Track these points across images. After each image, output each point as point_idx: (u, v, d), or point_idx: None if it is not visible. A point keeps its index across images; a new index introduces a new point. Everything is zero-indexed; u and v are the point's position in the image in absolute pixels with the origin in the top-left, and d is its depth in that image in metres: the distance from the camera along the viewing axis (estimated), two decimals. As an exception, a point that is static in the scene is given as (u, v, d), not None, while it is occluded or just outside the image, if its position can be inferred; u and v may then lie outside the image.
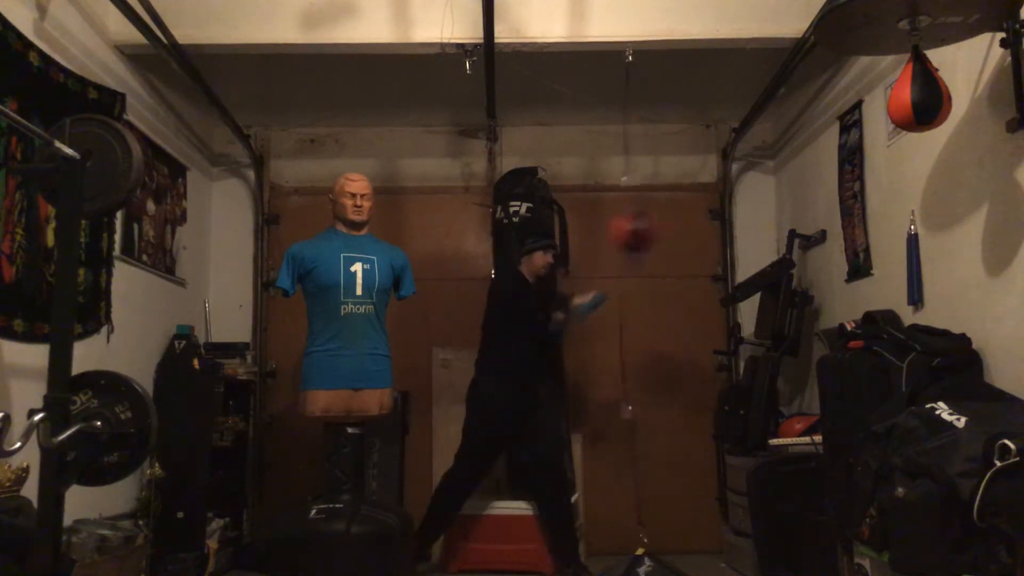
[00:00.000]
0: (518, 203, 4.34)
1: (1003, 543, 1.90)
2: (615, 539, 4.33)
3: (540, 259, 4.01)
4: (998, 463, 1.88)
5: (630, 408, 3.85)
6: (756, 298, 4.34)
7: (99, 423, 2.20)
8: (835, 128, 3.90)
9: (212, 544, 3.69)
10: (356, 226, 3.76)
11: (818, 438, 3.15)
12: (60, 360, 2.14)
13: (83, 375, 2.27)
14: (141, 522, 3.34)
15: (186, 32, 3.58)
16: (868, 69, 3.54)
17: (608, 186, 4.96)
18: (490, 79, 3.92)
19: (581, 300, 3.96)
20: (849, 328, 3.15)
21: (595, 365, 4.79)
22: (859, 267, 3.64)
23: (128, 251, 3.73)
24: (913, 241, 3.10)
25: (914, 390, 2.50)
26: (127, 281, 3.68)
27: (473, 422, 3.98)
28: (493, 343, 4.02)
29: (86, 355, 3.10)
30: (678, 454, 4.70)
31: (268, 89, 4.56)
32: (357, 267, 3.67)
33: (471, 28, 3.59)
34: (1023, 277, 2.46)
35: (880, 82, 3.41)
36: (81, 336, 3.23)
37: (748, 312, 4.58)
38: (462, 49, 3.65)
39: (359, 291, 3.65)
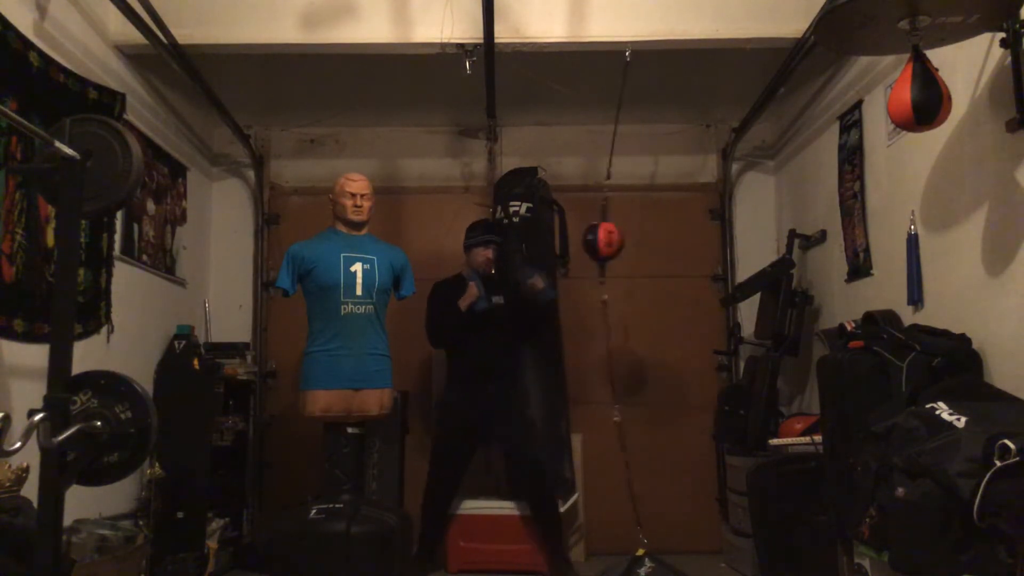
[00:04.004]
0: (518, 203, 4.34)
1: (1003, 543, 1.90)
2: (615, 539, 4.33)
3: (480, 255, 4.05)
4: (998, 463, 1.88)
5: (616, 413, 3.90)
6: (756, 298, 4.34)
7: (99, 423, 2.20)
8: (835, 128, 3.90)
9: (212, 544, 3.69)
10: (356, 226, 3.76)
11: (818, 438, 3.15)
12: (60, 360, 2.14)
13: (83, 375, 2.27)
14: (141, 522, 3.34)
15: (186, 32, 3.58)
16: (868, 69, 3.54)
17: (608, 186, 4.96)
18: (490, 79, 3.92)
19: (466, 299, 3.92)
20: (849, 328, 3.15)
21: (595, 365, 4.79)
22: (859, 267, 3.64)
23: (128, 251, 3.73)
24: (913, 241, 3.10)
25: (914, 390, 2.51)
26: (127, 281, 3.68)
27: (436, 429, 4.11)
28: (452, 347, 4.11)
29: (86, 355, 3.10)
30: (678, 454, 4.70)
31: (268, 89, 4.56)
32: (357, 267, 3.67)
33: (471, 28, 3.60)
34: (1023, 277, 2.46)
35: (880, 82, 3.41)
36: (81, 336, 3.23)
37: (748, 312, 4.58)
38: (462, 49, 3.65)
39: (359, 291, 3.65)
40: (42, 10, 3.02)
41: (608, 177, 4.77)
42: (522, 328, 4.08)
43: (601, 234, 4.52)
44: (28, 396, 2.55)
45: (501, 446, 4.02)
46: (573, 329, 4.65)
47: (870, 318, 3.11)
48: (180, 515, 3.55)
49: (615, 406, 4.74)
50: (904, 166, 3.21)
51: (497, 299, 4.01)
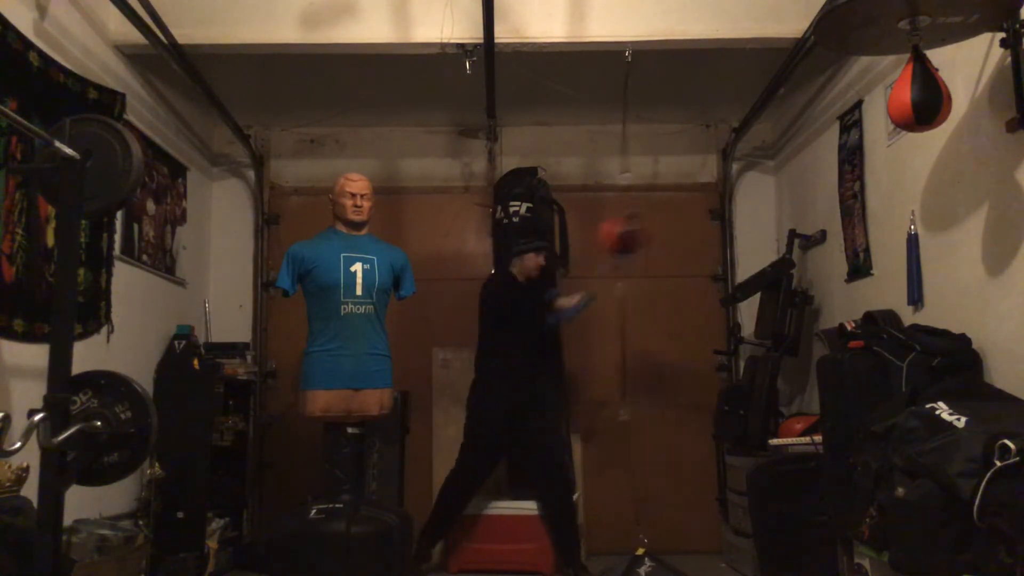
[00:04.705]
0: (518, 203, 4.34)
1: (1003, 543, 1.89)
2: (615, 539, 4.33)
3: (532, 260, 4.01)
4: (998, 463, 1.88)
5: (621, 413, 3.83)
6: (756, 298, 4.34)
7: (99, 423, 2.20)
8: (835, 128, 3.90)
9: (212, 544, 3.69)
10: (356, 226, 3.76)
11: (818, 438, 3.15)
12: (60, 360, 2.14)
13: (83, 375, 2.28)
14: (141, 522, 3.34)
15: (186, 32, 3.58)
16: (868, 69, 3.54)
17: (608, 186, 4.97)
18: (490, 79, 3.92)
19: (567, 302, 3.88)
20: (849, 328, 3.15)
21: (595, 365, 4.79)
22: (859, 267, 3.64)
23: (128, 251, 3.73)
24: (913, 241, 3.10)
25: (914, 390, 2.51)
26: (127, 281, 3.68)
27: (472, 424, 4.00)
28: (489, 345, 4.04)
29: (86, 355, 3.10)
30: (678, 454, 4.70)
31: (268, 89, 4.56)
32: (357, 267, 3.66)
33: (471, 28, 3.60)
34: (1023, 277, 2.46)
35: (880, 82, 3.41)
36: (81, 336, 3.23)
37: (748, 312, 4.58)
38: (462, 49, 3.65)
39: (359, 291, 3.64)
40: (42, 10, 3.02)
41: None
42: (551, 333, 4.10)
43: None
44: (28, 396, 2.55)
45: (527, 447, 3.96)
46: (573, 329, 4.64)
47: (870, 318, 3.11)
48: (180, 515, 3.54)
49: (616, 405, 4.75)
50: (904, 166, 3.21)
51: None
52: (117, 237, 3.60)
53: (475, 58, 3.67)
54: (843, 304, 3.84)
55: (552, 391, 4.14)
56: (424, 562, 3.92)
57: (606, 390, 4.79)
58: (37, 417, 2.04)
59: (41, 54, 2.99)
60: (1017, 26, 2.40)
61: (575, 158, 4.98)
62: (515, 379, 3.92)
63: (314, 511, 3.46)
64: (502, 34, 3.59)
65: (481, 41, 3.57)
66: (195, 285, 4.56)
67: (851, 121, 3.72)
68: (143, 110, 3.89)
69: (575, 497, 4.26)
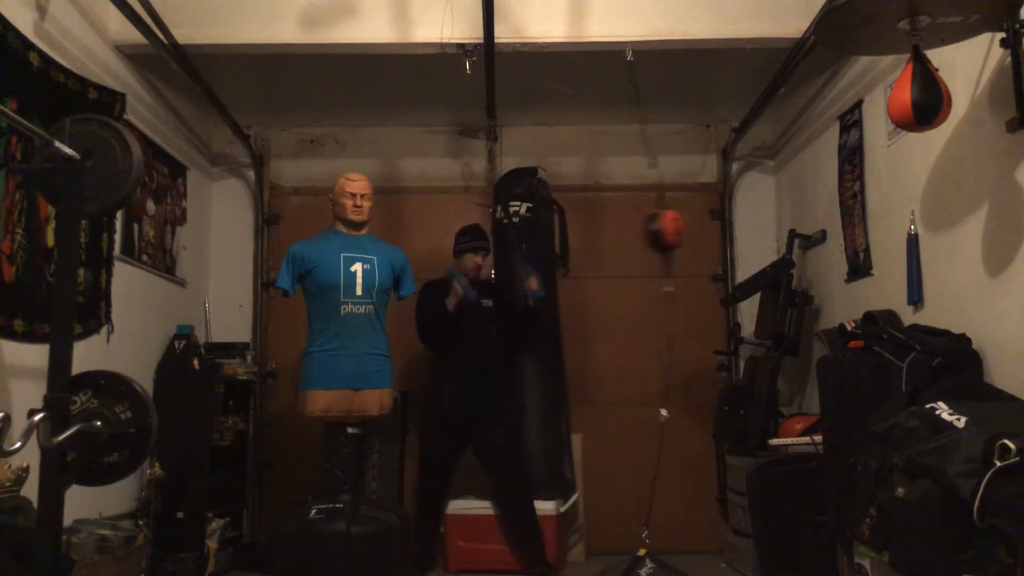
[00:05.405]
0: (518, 203, 4.34)
1: (1003, 543, 1.89)
2: (615, 539, 4.32)
3: (470, 261, 4.04)
4: (998, 463, 1.88)
5: (664, 412, 3.79)
6: (756, 298, 4.34)
7: (99, 423, 2.20)
8: (835, 128, 3.90)
9: (212, 544, 3.69)
10: (356, 226, 3.76)
11: (818, 438, 3.15)
12: (60, 360, 2.14)
13: (83, 375, 2.27)
14: (141, 522, 3.34)
15: (186, 32, 3.58)
16: (868, 69, 3.54)
17: (608, 186, 4.97)
18: (490, 79, 3.92)
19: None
20: (849, 328, 3.15)
21: (595, 365, 4.79)
22: (859, 267, 3.64)
23: (128, 251, 3.73)
24: (913, 241, 3.10)
25: (914, 390, 2.50)
26: (127, 281, 3.68)
27: (422, 428, 4.12)
28: (435, 355, 4.13)
29: (86, 355, 3.10)
30: (678, 454, 4.69)
31: (268, 89, 4.56)
32: (357, 267, 3.67)
33: (471, 28, 3.60)
34: (1023, 277, 2.46)
35: (880, 82, 3.41)
36: (81, 336, 3.23)
37: (748, 312, 4.58)
38: (462, 49, 3.65)
39: (359, 291, 3.65)
40: (42, 10, 3.02)
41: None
42: (511, 331, 4.08)
43: (668, 223, 4.24)
44: (28, 396, 2.56)
45: (482, 448, 3.99)
46: (573, 329, 4.65)
47: (870, 318, 3.11)
48: (180, 515, 3.55)
49: (617, 406, 4.75)
50: (904, 166, 3.21)
51: (486, 302, 4.01)
52: (117, 237, 3.60)
53: (475, 58, 3.67)
54: (843, 304, 3.84)
55: (513, 388, 4.13)
56: (424, 561, 3.92)
57: (606, 390, 4.79)
58: (37, 417, 2.04)
59: (41, 54, 2.99)
60: (1017, 26, 2.40)
61: (575, 158, 4.98)
62: (459, 380, 3.95)
63: (314, 511, 3.46)
64: (502, 34, 3.59)
65: (481, 41, 3.57)
66: (195, 285, 4.56)
67: (851, 121, 3.72)
68: (143, 110, 3.89)
69: (575, 498, 4.26)
